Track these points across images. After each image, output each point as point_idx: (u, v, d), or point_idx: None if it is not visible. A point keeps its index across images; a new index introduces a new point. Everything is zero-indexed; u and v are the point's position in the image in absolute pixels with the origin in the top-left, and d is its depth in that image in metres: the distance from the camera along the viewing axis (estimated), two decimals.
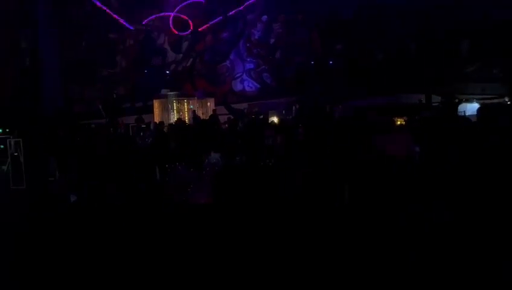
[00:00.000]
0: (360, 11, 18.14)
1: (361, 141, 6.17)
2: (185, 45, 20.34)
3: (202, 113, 16.06)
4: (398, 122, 12.59)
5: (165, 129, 11.30)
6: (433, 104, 15.64)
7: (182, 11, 19.97)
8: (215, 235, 3.46)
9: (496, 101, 15.92)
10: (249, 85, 20.46)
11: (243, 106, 18.86)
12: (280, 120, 14.34)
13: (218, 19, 19.92)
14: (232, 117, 15.33)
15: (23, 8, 16.78)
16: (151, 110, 16.83)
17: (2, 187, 8.22)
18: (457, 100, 14.81)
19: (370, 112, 9.98)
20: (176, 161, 5.42)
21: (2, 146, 10.50)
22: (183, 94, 17.23)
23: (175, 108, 16.49)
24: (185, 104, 16.66)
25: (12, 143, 10.47)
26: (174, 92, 16.83)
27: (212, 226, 3.56)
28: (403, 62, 18.26)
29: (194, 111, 15.56)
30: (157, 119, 15.20)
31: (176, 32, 20.02)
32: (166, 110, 16.37)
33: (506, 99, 15.79)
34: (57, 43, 18.69)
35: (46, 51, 17.67)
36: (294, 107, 17.23)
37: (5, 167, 10.00)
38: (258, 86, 20.46)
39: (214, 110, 15.84)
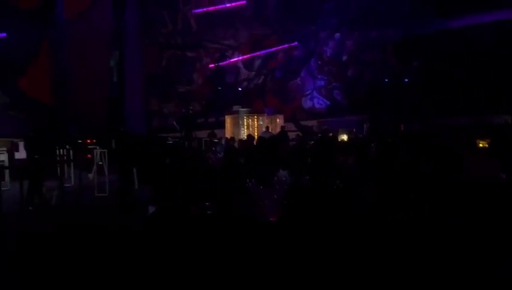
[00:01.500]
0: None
1: (439, 160, 5.88)
2: (257, 62, 20.89)
3: (271, 130, 16.30)
4: (481, 145, 11.76)
5: (236, 144, 11.64)
6: None
7: (256, 29, 20.58)
8: (285, 253, 3.50)
9: None
10: (319, 102, 20.42)
11: (312, 123, 18.84)
12: (350, 138, 14.10)
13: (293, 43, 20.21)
14: (301, 134, 15.37)
15: (114, 29, 18.43)
16: (223, 126, 17.46)
17: (87, 194, 8.94)
18: None
19: (449, 131, 9.46)
20: (246, 177, 5.53)
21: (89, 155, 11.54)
22: (254, 110, 17.64)
23: (245, 124, 16.93)
24: (255, 120, 17.03)
25: (98, 153, 11.45)
26: (245, 109, 17.30)
27: (282, 244, 3.61)
28: (487, 80, 17.09)
29: (268, 127, 15.86)
30: (228, 134, 15.71)
31: (248, 52, 20.66)
32: (237, 125, 16.87)
33: None
34: (140, 62, 20.22)
35: (131, 69, 19.18)
36: (365, 125, 16.83)
37: (91, 175, 10.94)
38: (328, 103, 20.34)
39: (282, 127, 16.01)
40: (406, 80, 18.89)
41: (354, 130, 16.18)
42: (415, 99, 18.13)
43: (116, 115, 17.28)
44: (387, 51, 19.55)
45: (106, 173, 9.41)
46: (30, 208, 7.41)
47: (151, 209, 4.63)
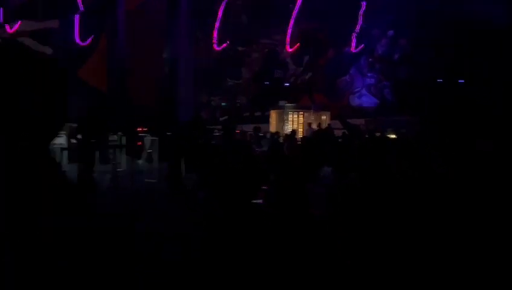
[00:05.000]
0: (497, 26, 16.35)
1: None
2: (306, 58, 20.76)
3: (316, 127, 16.17)
4: None
5: (280, 139, 11.69)
6: None
7: (306, 25, 20.41)
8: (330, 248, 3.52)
9: None
10: (368, 100, 19.98)
11: (359, 121, 18.48)
12: (400, 138, 13.69)
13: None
14: (347, 132, 15.12)
15: (168, 22, 18.99)
16: (268, 120, 17.56)
17: (137, 180, 9.35)
18: None
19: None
20: (290, 171, 5.58)
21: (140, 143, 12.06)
22: (300, 106, 17.58)
23: (290, 119, 16.92)
24: (301, 116, 16.97)
25: (148, 141, 11.94)
26: (291, 104, 17.28)
27: (327, 239, 3.64)
28: None
29: (310, 124, 15.76)
30: (272, 129, 15.79)
31: (290, 49, 20.50)
32: (281, 120, 16.90)
33: None
34: (192, 54, 20.72)
35: (183, 61, 19.71)
36: (417, 127, 16.27)
37: (141, 161, 11.45)
38: (377, 101, 19.85)
39: (328, 124, 15.83)
40: (461, 80, 18.03)
41: (404, 130, 15.69)
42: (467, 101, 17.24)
43: (167, 105, 17.87)
44: (441, 52, 18.71)
45: (155, 160, 9.80)
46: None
47: (201, 195, 4.80)
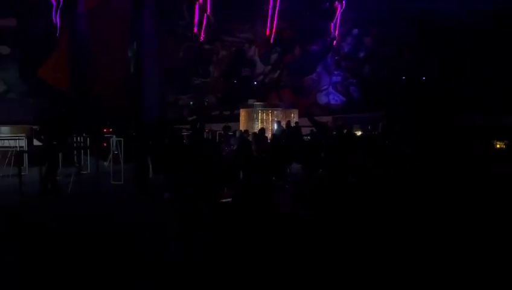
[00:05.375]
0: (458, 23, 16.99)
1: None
2: (274, 56, 20.84)
3: (284, 124, 16.25)
4: (498, 146, 11.58)
5: (250, 138, 11.65)
6: None
7: (273, 23, 20.50)
8: (304, 245, 3.52)
9: None
10: (335, 98, 20.31)
11: (327, 118, 18.74)
12: (366, 135, 13.97)
13: None
14: (315, 130, 15.30)
15: (131, 21, 18.56)
16: (237, 119, 17.49)
17: (103, 182, 9.07)
18: None
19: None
20: (259, 169, 5.58)
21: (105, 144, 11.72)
22: (269, 104, 17.61)
23: (259, 117, 16.92)
24: (270, 114, 17.00)
25: (114, 142, 11.61)
26: (260, 102, 17.29)
27: (298, 235, 3.64)
28: (505, 80, 16.75)
29: (279, 121, 15.83)
30: (242, 127, 15.73)
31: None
32: (251, 119, 16.87)
33: None
34: (157, 53, 20.34)
35: (148, 60, 19.32)
36: (381, 123, 16.67)
37: (106, 163, 11.12)
38: (344, 99, 20.20)
39: (296, 123, 15.93)
40: (424, 78, 18.63)
41: (369, 127, 16.03)
42: (431, 98, 17.83)
43: (132, 105, 17.47)
44: (406, 48, 19.28)
45: (121, 162, 9.54)
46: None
47: (166, 195, 4.71)
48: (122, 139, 10.04)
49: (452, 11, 17.03)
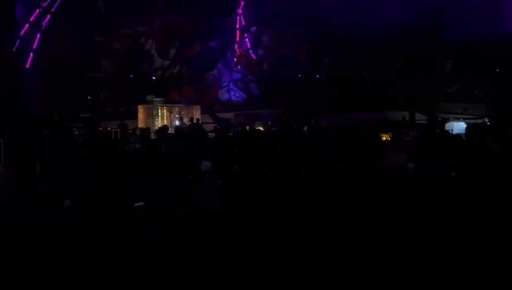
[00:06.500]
0: (350, 27, 18.36)
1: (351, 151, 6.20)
2: (172, 51, 20.17)
3: (187, 121, 15.86)
4: (384, 138, 12.80)
5: (152, 135, 11.08)
6: (418, 122, 15.91)
7: (171, 17, 19.81)
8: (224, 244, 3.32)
9: (479, 121, 16.36)
10: (236, 95, 20.43)
11: (229, 115, 18.78)
12: (264, 131, 14.31)
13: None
14: (218, 126, 15.20)
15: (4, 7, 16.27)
16: (134, 116, 16.52)
17: None
18: (440, 118, 15.11)
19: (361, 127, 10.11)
20: (166, 167, 5.24)
21: None
22: (169, 101, 17.03)
23: (160, 114, 16.25)
24: (171, 110, 16.43)
25: None
26: (160, 99, 16.60)
27: (222, 235, 3.43)
28: (389, 80, 18.63)
29: (182, 118, 15.40)
30: (141, 125, 14.92)
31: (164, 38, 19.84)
32: (151, 116, 16.10)
33: (486, 120, 16.25)
34: (41, 45, 18.24)
35: (27, 52, 17.24)
36: (281, 119, 17.24)
37: None
38: (245, 96, 20.45)
39: (197, 119, 15.64)
40: (318, 76, 19.78)
41: (270, 123, 16.47)
42: (324, 96, 18.99)
43: (13, 101, 15.33)
44: (302, 48, 20.22)
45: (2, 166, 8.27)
46: None
47: (67, 203, 4.12)
48: (1, 140, 8.71)
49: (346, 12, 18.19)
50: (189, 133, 10.83)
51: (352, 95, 18.02)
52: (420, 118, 16.21)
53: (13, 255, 3.22)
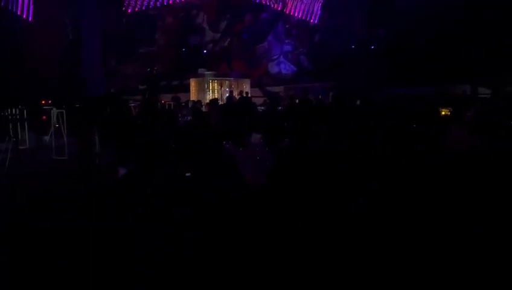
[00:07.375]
0: None
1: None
2: (223, 24, 20.15)
3: (237, 94, 15.97)
4: (443, 113, 12.11)
5: (203, 108, 11.28)
6: (480, 96, 14.92)
7: None
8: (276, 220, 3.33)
9: None
10: (286, 68, 20.15)
11: (279, 88, 18.65)
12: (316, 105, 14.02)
13: None
14: (268, 100, 15.17)
15: None
16: (187, 89, 16.89)
17: (44, 157, 8.41)
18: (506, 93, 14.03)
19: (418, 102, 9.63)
20: (218, 139, 5.30)
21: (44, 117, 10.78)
22: (220, 74, 17.16)
23: (211, 88, 16.48)
24: (221, 84, 16.60)
25: (55, 114, 10.72)
26: (211, 72, 16.77)
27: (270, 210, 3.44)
28: (449, 50, 17.47)
29: (231, 91, 15.49)
30: (193, 98, 15.24)
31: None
32: (202, 89, 16.37)
33: None
34: (99, 19, 18.90)
35: (88, 26, 17.89)
36: (330, 93, 16.85)
37: (47, 138, 10.27)
38: (295, 69, 20.12)
39: (246, 93, 15.68)
40: (372, 47, 18.95)
41: (320, 96, 16.15)
42: (379, 68, 18.23)
43: (72, 74, 16.21)
44: (355, 18, 19.40)
45: (64, 136, 8.84)
46: None
47: (122, 171, 4.33)
48: (63, 111, 9.27)
49: None
50: (238, 107, 10.91)
51: (407, 66, 17.15)
52: (483, 92, 15.19)
53: (9, 256, 3.36)
